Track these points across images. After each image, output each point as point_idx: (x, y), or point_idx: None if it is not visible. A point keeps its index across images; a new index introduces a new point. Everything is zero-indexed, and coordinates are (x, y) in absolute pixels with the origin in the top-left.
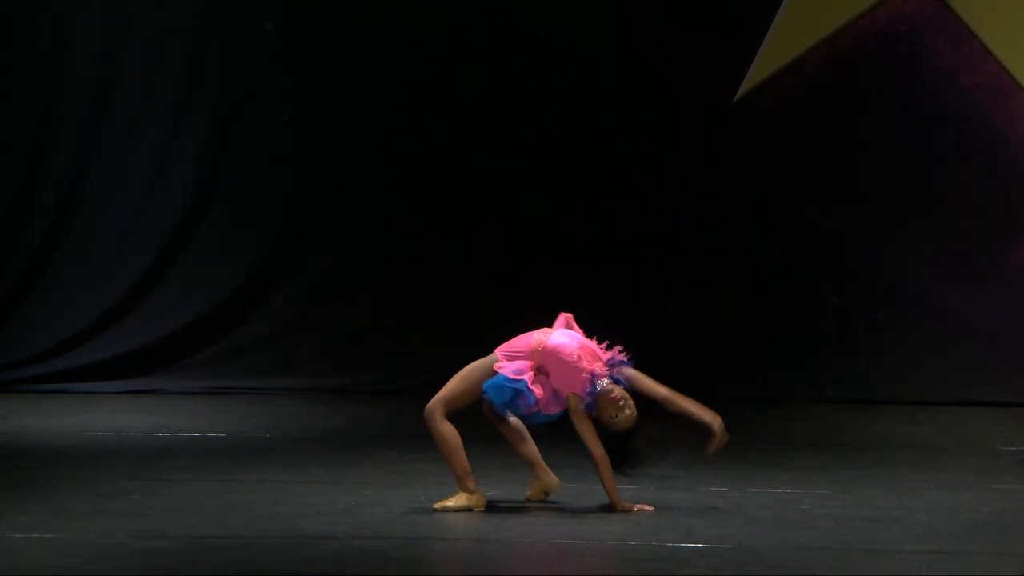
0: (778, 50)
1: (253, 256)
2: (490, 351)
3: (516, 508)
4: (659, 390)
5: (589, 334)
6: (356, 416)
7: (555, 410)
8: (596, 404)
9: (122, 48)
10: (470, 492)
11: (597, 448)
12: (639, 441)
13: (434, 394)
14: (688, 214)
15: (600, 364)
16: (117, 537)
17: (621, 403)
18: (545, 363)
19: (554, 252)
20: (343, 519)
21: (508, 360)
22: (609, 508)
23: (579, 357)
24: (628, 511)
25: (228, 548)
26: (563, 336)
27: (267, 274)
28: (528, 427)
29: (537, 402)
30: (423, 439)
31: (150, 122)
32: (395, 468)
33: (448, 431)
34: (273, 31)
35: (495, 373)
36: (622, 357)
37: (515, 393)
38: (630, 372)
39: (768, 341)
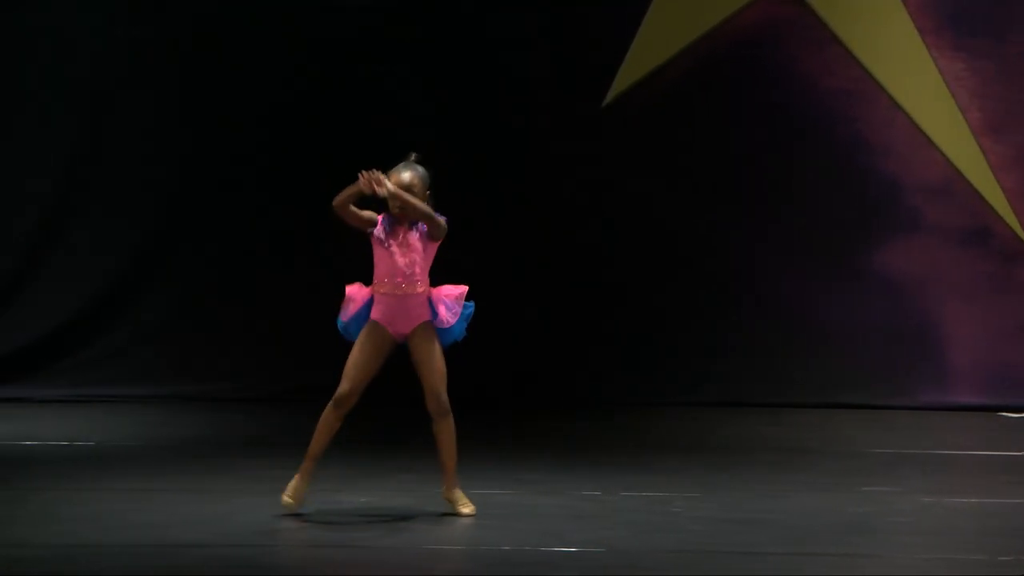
0: (644, 57)
1: (115, 264)
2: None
3: (385, 515)
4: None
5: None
6: (223, 424)
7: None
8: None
9: None
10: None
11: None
12: None
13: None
14: (559, 219)
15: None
16: None
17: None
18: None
19: None
20: (213, 527)
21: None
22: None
23: None
24: None
25: (97, 557)
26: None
27: (129, 282)
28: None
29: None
30: (288, 446)
31: (19, 120)
32: (264, 476)
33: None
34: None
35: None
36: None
37: (464, 316)
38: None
39: (633, 343)
